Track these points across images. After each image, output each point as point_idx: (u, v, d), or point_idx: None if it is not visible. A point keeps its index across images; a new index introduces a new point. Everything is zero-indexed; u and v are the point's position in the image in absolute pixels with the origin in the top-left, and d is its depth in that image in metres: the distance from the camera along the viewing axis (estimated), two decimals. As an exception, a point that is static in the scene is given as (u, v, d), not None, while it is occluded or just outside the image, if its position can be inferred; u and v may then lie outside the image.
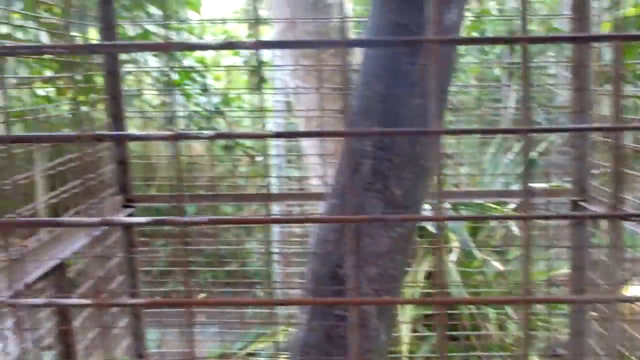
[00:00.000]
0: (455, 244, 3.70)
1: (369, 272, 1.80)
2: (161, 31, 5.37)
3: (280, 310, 5.52)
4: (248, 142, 7.09)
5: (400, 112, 1.76)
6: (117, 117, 2.83)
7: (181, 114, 6.05)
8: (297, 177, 4.59)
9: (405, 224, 1.80)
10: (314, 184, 4.04)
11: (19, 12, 3.11)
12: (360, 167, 1.78)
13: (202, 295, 4.71)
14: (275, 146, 5.00)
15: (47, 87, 4.52)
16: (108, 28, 2.77)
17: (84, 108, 2.76)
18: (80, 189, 2.57)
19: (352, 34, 3.85)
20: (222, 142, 7.26)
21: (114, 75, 2.76)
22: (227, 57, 7.67)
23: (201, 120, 6.58)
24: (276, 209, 5.29)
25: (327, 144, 3.83)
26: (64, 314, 2.34)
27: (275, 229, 5.00)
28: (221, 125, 7.28)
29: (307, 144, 4.12)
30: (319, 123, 3.90)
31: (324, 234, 1.89)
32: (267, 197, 2.61)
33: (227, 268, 5.34)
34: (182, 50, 0.86)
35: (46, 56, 3.10)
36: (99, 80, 2.86)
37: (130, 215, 2.97)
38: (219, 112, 7.11)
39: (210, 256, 4.88)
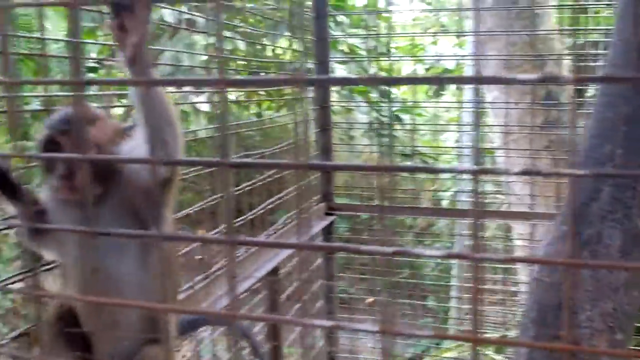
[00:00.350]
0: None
1: (604, 307, 1.68)
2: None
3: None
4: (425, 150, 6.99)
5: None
6: (323, 128, 2.95)
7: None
8: (491, 191, 4.44)
9: (648, 257, 1.66)
10: (513, 202, 3.89)
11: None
12: (599, 194, 1.67)
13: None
14: (460, 158, 4.90)
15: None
16: (320, 40, 2.89)
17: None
18: (291, 195, 2.72)
19: (559, 45, 3.65)
20: (400, 150, 7.23)
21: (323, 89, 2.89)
22: (408, 65, 7.65)
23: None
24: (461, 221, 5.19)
25: (532, 161, 3.66)
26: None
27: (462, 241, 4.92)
28: (399, 133, 7.28)
29: (503, 159, 3.98)
30: (516, 137, 3.76)
31: (552, 254, 1.80)
32: (479, 214, 2.55)
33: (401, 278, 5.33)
34: (388, 84, 0.86)
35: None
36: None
37: (331, 223, 3.07)
38: (398, 120, 7.12)
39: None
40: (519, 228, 3.84)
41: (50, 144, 1.30)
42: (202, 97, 3.24)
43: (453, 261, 5.09)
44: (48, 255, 1.33)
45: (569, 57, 3.70)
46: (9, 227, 1.26)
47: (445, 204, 5.92)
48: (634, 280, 1.72)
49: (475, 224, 0.85)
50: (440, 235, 6.97)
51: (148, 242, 1.33)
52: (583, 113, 4.04)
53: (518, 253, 3.90)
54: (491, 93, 3.84)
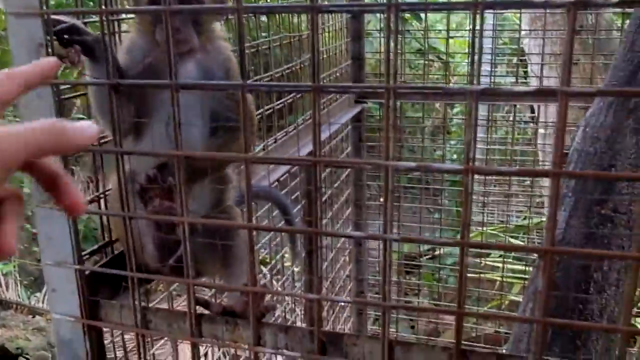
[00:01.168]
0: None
1: (611, 277, 1.74)
2: None
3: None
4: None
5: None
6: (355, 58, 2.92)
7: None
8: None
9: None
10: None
11: None
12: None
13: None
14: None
15: None
16: None
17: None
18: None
19: None
20: (415, 45, 7.07)
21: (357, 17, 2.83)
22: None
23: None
24: (481, 107, 5.17)
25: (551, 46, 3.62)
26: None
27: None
28: (415, 28, 7.11)
29: (529, 42, 3.91)
30: (544, 22, 3.66)
31: (593, 132, 1.82)
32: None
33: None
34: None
35: None
36: None
37: (361, 111, 3.08)
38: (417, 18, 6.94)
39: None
40: (549, 112, 3.81)
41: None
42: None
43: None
44: (125, 113, 1.33)
45: None
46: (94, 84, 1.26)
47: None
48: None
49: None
50: (453, 134, 6.96)
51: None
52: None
53: (546, 141, 3.91)
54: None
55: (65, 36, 1.18)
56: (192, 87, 1.04)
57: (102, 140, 1.38)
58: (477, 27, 0.77)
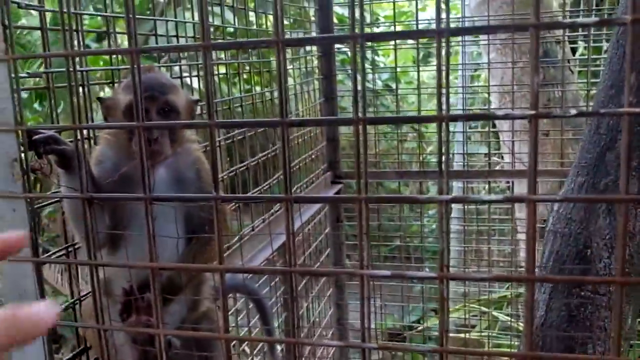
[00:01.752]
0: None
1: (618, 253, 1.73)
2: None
3: (453, 288, 5.48)
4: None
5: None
6: (328, 97, 2.96)
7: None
8: (484, 153, 4.48)
9: (663, 204, 1.71)
10: (507, 162, 3.95)
11: None
12: (615, 143, 1.71)
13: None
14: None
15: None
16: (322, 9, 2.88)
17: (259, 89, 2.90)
18: (298, 166, 2.73)
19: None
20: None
21: (328, 56, 2.89)
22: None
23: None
24: (457, 185, 5.25)
25: (521, 121, 3.70)
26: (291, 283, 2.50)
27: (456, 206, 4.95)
28: (389, 101, 7.31)
29: (501, 121, 4.01)
30: (512, 98, 3.78)
31: (567, 213, 1.84)
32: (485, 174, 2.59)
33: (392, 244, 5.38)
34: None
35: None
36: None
37: (339, 191, 3.10)
38: (387, 87, 7.13)
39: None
40: (521, 187, 3.88)
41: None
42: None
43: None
44: (99, 225, 1.34)
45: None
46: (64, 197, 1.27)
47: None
48: (649, 227, 1.77)
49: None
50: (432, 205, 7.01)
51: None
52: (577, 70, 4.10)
53: (521, 214, 3.96)
54: (489, 54, 3.86)
55: (45, 147, 1.19)
56: (167, 200, 1.05)
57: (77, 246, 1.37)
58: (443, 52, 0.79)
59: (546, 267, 1.90)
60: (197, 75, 2.13)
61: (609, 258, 1.77)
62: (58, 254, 1.43)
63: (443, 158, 0.84)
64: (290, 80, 2.88)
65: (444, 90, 0.82)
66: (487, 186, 4.52)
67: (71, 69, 0.96)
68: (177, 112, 1.42)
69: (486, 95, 4.21)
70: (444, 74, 0.80)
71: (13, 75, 0.98)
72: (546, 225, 1.95)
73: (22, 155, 1.01)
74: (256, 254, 2.02)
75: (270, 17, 2.56)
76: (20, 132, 0.99)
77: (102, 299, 1.04)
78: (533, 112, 0.78)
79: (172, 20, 2.02)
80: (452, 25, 0.86)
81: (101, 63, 4.54)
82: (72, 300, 1.35)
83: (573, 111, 0.83)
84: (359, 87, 0.85)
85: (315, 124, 2.55)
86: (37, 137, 1.17)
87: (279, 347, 2.20)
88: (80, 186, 0.97)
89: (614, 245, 1.74)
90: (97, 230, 1.06)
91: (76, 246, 1.40)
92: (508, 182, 5.56)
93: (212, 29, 2.45)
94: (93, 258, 1.00)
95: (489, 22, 3.56)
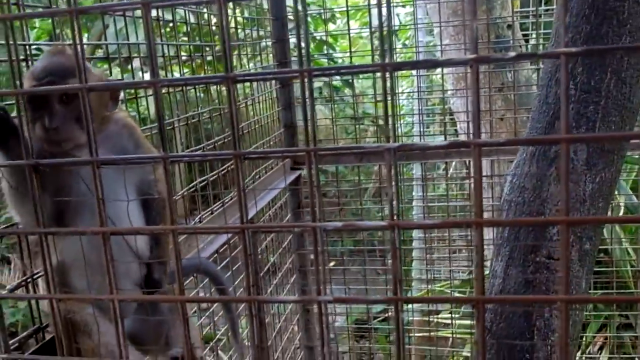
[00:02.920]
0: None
1: (554, 324, 1.79)
2: None
3: (417, 274, 5.53)
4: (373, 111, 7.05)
5: (606, 52, 1.70)
6: (284, 84, 2.96)
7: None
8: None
9: (611, 168, 1.76)
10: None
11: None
12: (563, 112, 1.75)
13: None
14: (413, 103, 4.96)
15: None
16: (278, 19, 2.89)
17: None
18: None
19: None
20: (350, 112, 7.27)
21: (283, 43, 2.89)
22: (353, 28, 7.67)
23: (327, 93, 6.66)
24: (417, 172, 5.30)
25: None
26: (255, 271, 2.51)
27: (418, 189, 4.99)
28: (348, 96, 7.34)
29: (456, 101, 4.07)
30: (466, 83, 3.84)
31: (520, 182, 1.88)
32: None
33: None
34: None
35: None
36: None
37: (298, 177, 3.11)
38: (349, 85, 7.17)
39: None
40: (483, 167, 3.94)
41: (33, 96, 1.28)
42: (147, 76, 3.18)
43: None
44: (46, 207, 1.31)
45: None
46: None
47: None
48: (599, 191, 1.81)
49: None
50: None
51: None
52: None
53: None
54: (441, 41, 3.91)
55: None
56: (113, 163, 1.04)
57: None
58: (388, 87, 0.80)
59: (502, 236, 1.94)
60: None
61: (562, 224, 1.81)
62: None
63: (388, 107, 0.85)
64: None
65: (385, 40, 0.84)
66: (445, 170, 4.59)
67: (10, 40, 0.94)
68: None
69: (440, 80, 4.26)
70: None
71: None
72: (501, 196, 1.99)
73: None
74: (214, 238, 2.01)
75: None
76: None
77: (53, 271, 1.02)
78: (473, 56, 0.80)
79: None
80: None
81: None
82: (25, 277, 1.32)
83: (512, 53, 0.84)
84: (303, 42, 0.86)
85: (262, 78, 2.55)
86: None
87: (242, 333, 2.19)
88: (24, 152, 0.95)
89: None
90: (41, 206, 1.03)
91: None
92: (468, 169, 5.65)
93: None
94: (42, 227, 0.98)
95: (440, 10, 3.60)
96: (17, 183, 1.23)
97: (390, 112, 0.84)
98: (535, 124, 1.89)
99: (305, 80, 0.85)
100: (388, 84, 0.83)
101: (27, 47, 1.49)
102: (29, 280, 1.31)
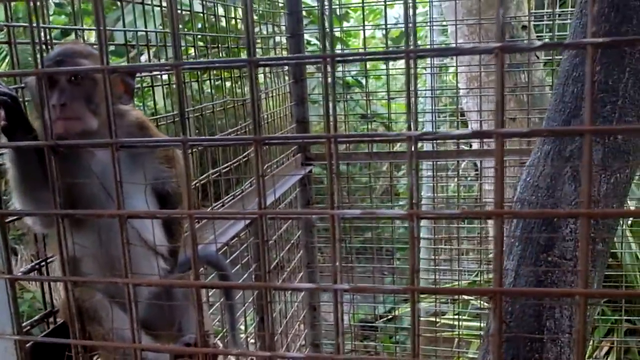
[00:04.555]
0: None
1: (564, 324, 1.78)
2: None
3: (424, 276, 5.52)
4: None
5: (624, 52, 1.69)
6: (297, 79, 2.96)
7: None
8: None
9: (626, 169, 1.75)
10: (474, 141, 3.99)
11: None
12: (580, 111, 1.74)
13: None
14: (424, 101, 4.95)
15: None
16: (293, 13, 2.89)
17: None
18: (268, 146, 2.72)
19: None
20: (359, 111, 7.27)
21: (297, 38, 2.89)
22: (368, 26, 7.66)
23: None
24: (426, 170, 5.29)
25: (488, 104, 3.76)
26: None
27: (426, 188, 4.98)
28: (359, 95, 7.33)
29: (468, 101, 4.06)
30: (480, 83, 3.83)
31: (534, 181, 1.87)
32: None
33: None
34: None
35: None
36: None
37: (309, 172, 3.10)
38: (358, 84, 7.17)
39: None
40: (490, 171, 3.91)
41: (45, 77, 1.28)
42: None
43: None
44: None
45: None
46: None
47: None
48: (614, 192, 1.80)
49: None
50: (402, 194, 7.09)
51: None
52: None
53: (490, 196, 4.00)
54: (456, 40, 3.89)
55: (7, 103, 1.16)
56: (133, 146, 1.03)
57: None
58: (412, 71, 0.79)
59: (514, 234, 1.93)
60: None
61: (575, 224, 1.80)
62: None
63: (411, 96, 0.85)
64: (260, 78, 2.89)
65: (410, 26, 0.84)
66: (455, 170, 4.57)
67: (34, 23, 0.94)
68: (93, 79, 1.35)
69: (453, 80, 4.25)
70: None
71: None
72: (514, 195, 1.98)
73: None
74: (226, 229, 2.01)
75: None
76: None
77: (67, 254, 1.02)
78: (499, 44, 0.80)
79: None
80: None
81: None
82: (38, 261, 1.32)
83: (537, 42, 0.84)
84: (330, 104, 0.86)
85: (285, 63, 2.55)
86: (3, 89, 1.14)
87: (242, 336, 2.18)
88: (45, 132, 0.94)
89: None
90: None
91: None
92: (477, 171, 5.64)
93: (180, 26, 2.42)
94: (59, 207, 0.98)
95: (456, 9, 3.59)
96: (22, 173, 1.23)
97: (412, 101, 0.84)
98: (551, 122, 1.88)
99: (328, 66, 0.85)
100: (411, 72, 0.83)
101: (47, 30, 1.50)
102: (42, 264, 1.31)
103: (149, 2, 1.98)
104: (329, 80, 0.85)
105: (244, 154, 2.39)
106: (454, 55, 3.43)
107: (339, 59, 0.85)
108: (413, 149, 0.83)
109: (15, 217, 1.37)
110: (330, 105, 0.87)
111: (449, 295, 4.23)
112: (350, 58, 0.89)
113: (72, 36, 2.24)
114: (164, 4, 2.07)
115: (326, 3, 0.82)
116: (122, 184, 0.95)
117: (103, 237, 1.30)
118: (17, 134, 1.20)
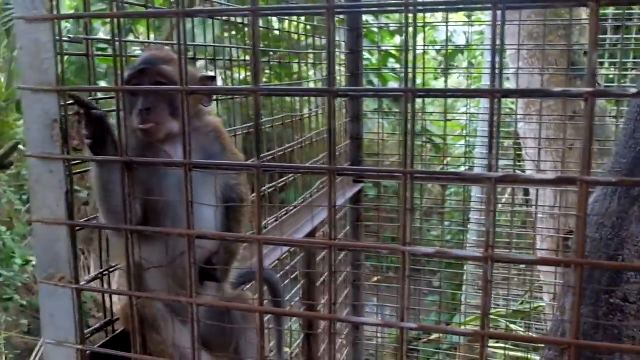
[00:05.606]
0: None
1: None
2: None
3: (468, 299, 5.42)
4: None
5: None
6: (353, 96, 2.95)
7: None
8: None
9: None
10: (529, 169, 3.91)
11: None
12: (652, 148, 1.68)
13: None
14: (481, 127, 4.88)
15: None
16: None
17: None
18: (322, 162, 2.71)
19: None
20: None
21: (356, 54, 2.88)
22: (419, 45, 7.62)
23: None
24: (475, 194, 5.21)
25: (546, 131, 3.68)
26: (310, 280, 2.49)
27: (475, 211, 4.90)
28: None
29: (523, 126, 3.98)
30: (539, 108, 3.75)
31: (598, 218, 1.81)
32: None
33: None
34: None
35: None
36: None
37: (360, 190, 3.08)
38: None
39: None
40: (546, 196, 3.82)
41: (130, 84, 1.33)
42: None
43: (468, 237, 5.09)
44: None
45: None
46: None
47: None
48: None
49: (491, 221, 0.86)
50: (450, 214, 6.99)
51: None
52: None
53: (543, 225, 3.90)
54: (518, 63, 3.83)
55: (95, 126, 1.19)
56: (206, 168, 1.04)
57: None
58: (495, 114, 0.77)
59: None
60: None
61: (640, 265, 1.73)
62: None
63: (493, 134, 0.82)
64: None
65: (496, 71, 0.81)
66: (507, 196, 4.48)
67: (116, 33, 0.96)
68: (176, 83, 1.37)
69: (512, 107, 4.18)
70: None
71: (57, 37, 0.97)
72: (567, 226, 1.92)
73: (62, 116, 0.99)
74: (269, 253, 2.00)
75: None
76: (61, 93, 0.98)
77: (135, 269, 1.03)
78: (590, 89, 0.77)
79: None
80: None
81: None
82: (101, 270, 1.34)
83: (633, 90, 0.80)
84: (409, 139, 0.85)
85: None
86: (95, 112, 1.17)
87: (287, 350, 2.16)
88: (120, 149, 0.96)
89: (643, 252, 1.71)
90: (131, 205, 1.04)
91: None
92: (527, 195, 5.52)
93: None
94: (129, 223, 0.99)
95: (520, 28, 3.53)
96: (104, 185, 1.26)
97: (494, 140, 0.81)
98: (619, 158, 1.82)
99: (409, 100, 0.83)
100: (496, 110, 0.80)
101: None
102: (105, 273, 1.33)
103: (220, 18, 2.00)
104: (409, 114, 0.83)
105: (289, 176, 2.38)
106: (542, 97, 3.37)
107: (421, 94, 0.84)
108: (493, 191, 0.80)
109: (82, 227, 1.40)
110: (409, 136, 0.85)
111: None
112: (432, 94, 0.86)
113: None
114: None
115: (410, 43, 0.81)
116: (195, 188, 0.96)
117: (169, 251, 1.31)
118: (104, 149, 1.23)
